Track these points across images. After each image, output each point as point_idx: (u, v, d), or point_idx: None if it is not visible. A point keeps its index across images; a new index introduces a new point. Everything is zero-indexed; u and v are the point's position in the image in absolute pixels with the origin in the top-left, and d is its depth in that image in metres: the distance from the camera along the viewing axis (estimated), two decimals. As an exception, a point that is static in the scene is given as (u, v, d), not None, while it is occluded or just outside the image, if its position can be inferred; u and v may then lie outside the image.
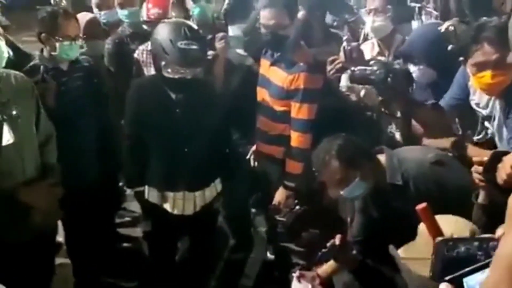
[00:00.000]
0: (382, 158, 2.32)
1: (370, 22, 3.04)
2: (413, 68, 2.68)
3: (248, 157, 3.16)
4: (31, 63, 2.89)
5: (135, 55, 3.48)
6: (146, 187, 2.78)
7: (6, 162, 2.30)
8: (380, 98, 2.64)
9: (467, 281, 0.94)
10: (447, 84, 2.53)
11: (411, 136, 2.60)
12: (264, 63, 3.06)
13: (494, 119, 2.29)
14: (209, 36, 3.30)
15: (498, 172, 1.56)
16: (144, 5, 3.68)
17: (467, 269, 0.95)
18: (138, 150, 2.75)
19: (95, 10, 4.12)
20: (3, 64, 2.35)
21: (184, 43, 2.52)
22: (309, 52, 2.90)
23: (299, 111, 2.91)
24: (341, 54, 2.67)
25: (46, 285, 2.66)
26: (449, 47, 2.50)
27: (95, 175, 3.00)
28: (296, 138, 2.95)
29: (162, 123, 2.68)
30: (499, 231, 1.09)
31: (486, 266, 0.94)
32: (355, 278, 2.36)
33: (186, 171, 2.70)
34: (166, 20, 2.95)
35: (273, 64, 2.99)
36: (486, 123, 2.36)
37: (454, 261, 1.02)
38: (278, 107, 2.98)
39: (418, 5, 3.47)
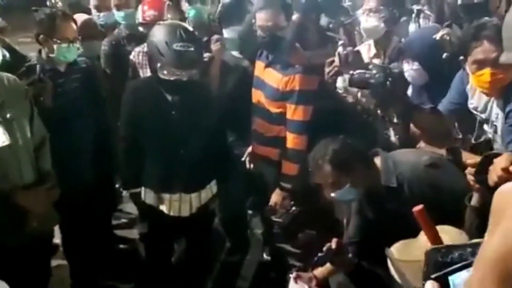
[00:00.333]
0: (377, 160, 2.33)
1: (363, 22, 3.05)
2: (407, 67, 2.69)
3: (243, 159, 3.17)
4: (27, 63, 2.89)
5: (131, 57, 3.48)
6: (143, 188, 2.79)
7: (3, 164, 2.30)
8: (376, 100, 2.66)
9: (453, 279, 0.95)
10: (443, 90, 2.55)
11: (409, 140, 2.61)
12: (259, 64, 3.06)
13: (492, 123, 2.31)
14: (205, 38, 3.31)
15: (489, 174, 1.57)
16: (140, 7, 3.69)
17: (452, 267, 0.96)
18: (134, 152, 2.75)
19: (94, 11, 4.13)
20: None
21: (180, 45, 2.52)
22: (304, 54, 2.91)
23: (294, 112, 2.92)
24: (336, 58, 2.68)
25: (43, 287, 2.66)
26: (444, 55, 2.52)
27: (91, 177, 3.00)
28: (291, 140, 2.96)
29: (158, 125, 2.68)
30: None
31: (472, 264, 0.95)
32: (350, 280, 2.37)
33: (182, 172, 2.70)
34: (161, 22, 2.96)
35: (268, 65, 3.00)
36: (485, 127, 2.37)
37: (448, 266, 1.02)
38: (274, 109, 2.99)
39: (418, 7, 3.47)
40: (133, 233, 3.57)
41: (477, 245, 1.04)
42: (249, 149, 3.16)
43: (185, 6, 4.06)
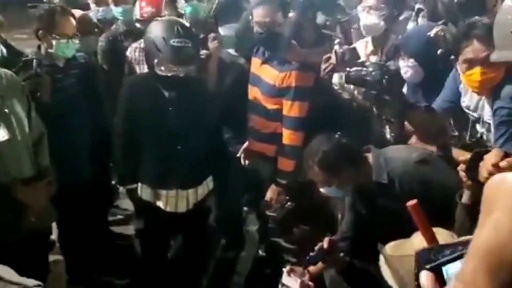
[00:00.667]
0: (369, 156, 2.37)
1: (363, 19, 3.06)
2: (403, 64, 2.71)
3: (238, 155, 3.18)
4: (24, 58, 2.89)
5: (127, 53, 3.48)
6: (139, 184, 2.79)
7: (2, 159, 2.30)
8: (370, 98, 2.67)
9: (447, 269, 0.96)
10: (437, 87, 2.56)
11: (403, 138, 2.63)
12: (255, 61, 3.07)
13: (484, 122, 2.32)
14: (202, 35, 3.31)
15: (480, 170, 1.59)
16: (137, 3, 3.69)
17: (446, 258, 0.97)
18: (131, 148, 2.75)
19: (93, 6, 4.12)
20: None
21: (177, 41, 2.53)
22: (301, 51, 2.92)
23: (290, 109, 2.93)
24: (333, 56, 2.69)
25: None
26: (439, 51, 2.53)
27: (88, 173, 3.00)
28: (288, 136, 2.97)
29: (155, 121, 2.69)
30: None
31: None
32: (342, 278, 2.40)
33: (179, 168, 2.71)
34: (159, 19, 2.96)
35: (264, 62, 3.01)
36: (477, 126, 2.39)
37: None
38: (270, 105, 3.00)
39: (419, 6, 3.48)
40: (129, 229, 3.57)
41: (469, 242, 1.05)
42: (244, 145, 3.17)
43: (181, 3, 4.05)
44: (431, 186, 2.19)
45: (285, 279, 2.45)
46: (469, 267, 0.75)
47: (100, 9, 4.05)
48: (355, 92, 2.96)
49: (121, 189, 3.23)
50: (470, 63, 2.18)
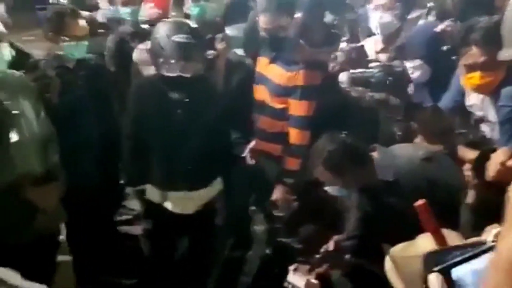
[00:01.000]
0: (376, 155, 2.37)
1: (378, 18, 3.05)
2: (409, 65, 2.70)
3: (244, 155, 3.17)
4: (32, 59, 2.90)
5: (134, 54, 3.49)
6: (147, 185, 2.80)
7: (12, 160, 2.31)
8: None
9: (456, 271, 0.95)
10: (443, 84, 2.55)
11: (411, 137, 2.62)
12: (262, 60, 3.07)
13: (487, 120, 2.31)
14: (209, 36, 3.31)
15: (487, 169, 1.58)
16: (144, 4, 3.69)
17: (455, 259, 0.96)
18: (139, 150, 2.76)
19: (106, 4, 4.12)
20: (5, 67, 2.37)
21: (180, 36, 2.53)
22: (308, 50, 2.92)
23: (297, 108, 2.93)
24: (341, 55, 2.69)
25: (47, 283, 2.66)
26: (444, 48, 2.52)
27: (96, 173, 3.01)
28: (294, 135, 2.96)
29: (163, 123, 2.69)
30: (486, 233, 1.09)
31: (474, 256, 0.95)
32: (348, 279, 2.40)
33: (187, 170, 2.71)
34: (165, 20, 2.96)
35: (272, 61, 3.01)
36: (482, 125, 2.38)
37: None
38: (277, 105, 3.00)
39: (431, 4, 3.47)
40: (137, 230, 3.58)
41: (478, 244, 1.03)
42: (251, 145, 3.17)
43: (188, 3, 4.05)
44: (436, 184, 2.19)
45: (291, 277, 2.45)
46: (495, 279, 0.71)
47: (111, 8, 4.06)
48: (364, 90, 2.96)
49: (129, 189, 3.24)
50: (469, 68, 2.20)
